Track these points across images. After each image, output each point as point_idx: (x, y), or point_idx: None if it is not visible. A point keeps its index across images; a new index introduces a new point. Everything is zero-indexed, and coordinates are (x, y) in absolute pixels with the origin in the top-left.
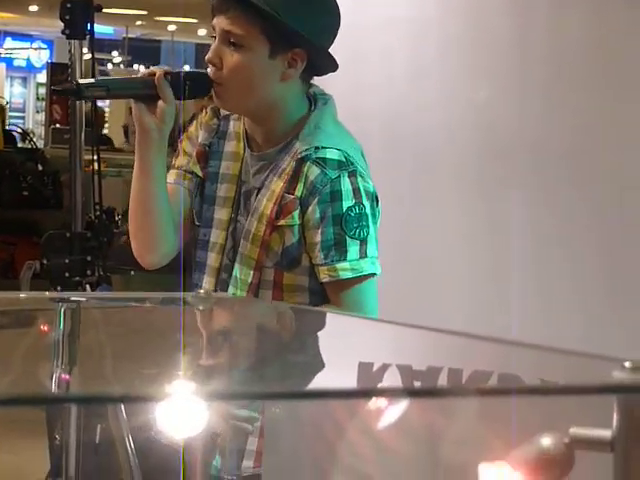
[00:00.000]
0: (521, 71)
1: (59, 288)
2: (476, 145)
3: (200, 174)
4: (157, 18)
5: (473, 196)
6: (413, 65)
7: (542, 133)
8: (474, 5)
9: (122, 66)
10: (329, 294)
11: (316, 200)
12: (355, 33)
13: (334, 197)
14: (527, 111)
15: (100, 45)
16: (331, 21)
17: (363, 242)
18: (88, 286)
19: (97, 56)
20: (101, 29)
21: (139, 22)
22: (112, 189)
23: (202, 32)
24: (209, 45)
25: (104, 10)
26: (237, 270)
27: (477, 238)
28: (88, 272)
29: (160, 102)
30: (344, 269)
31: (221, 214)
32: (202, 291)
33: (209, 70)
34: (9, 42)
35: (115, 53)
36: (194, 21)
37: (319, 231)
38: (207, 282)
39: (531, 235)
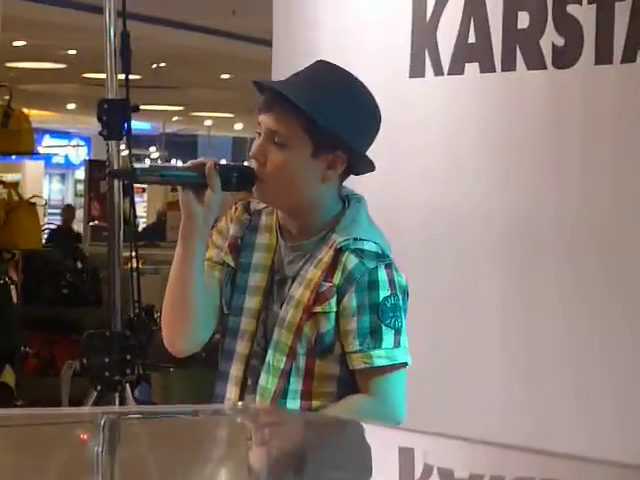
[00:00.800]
0: (556, 165)
1: (99, 387)
2: (512, 236)
3: (232, 264)
4: (193, 113)
5: (509, 291)
6: (449, 160)
7: (578, 227)
8: (509, 100)
9: (159, 161)
10: (359, 382)
11: (353, 288)
12: (393, 130)
13: (371, 286)
14: (563, 204)
15: (137, 141)
16: (372, 126)
17: (397, 332)
18: (127, 385)
19: (134, 152)
20: (138, 125)
21: (176, 118)
22: (150, 286)
23: (238, 126)
24: (245, 139)
25: (141, 107)
26: (270, 357)
27: (512, 335)
28: (127, 371)
29: (208, 191)
30: (379, 356)
31: (252, 303)
32: (240, 403)
33: (253, 165)
34: (47, 140)
35: (152, 148)
36: (230, 116)
37: (355, 319)
38: (236, 369)
39: (565, 331)
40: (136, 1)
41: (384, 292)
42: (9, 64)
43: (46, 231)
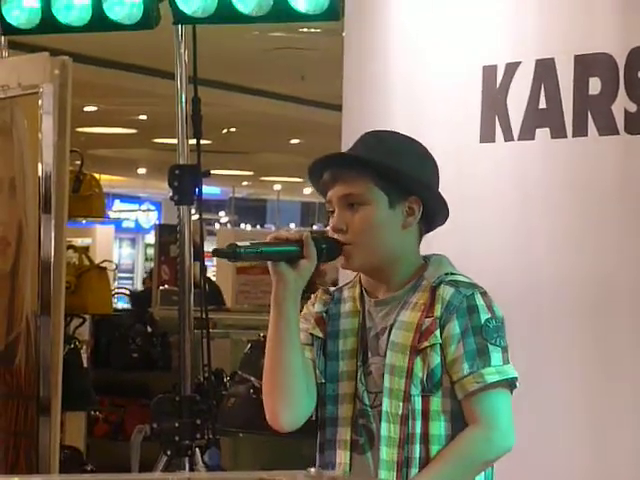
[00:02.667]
0: (628, 229)
1: (169, 452)
2: (588, 301)
3: (321, 335)
4: (262, 178)
5: (590, 355)
6: (522, 227)
7: None
8: (580, 165)
9: (229, 226)
10: (468, 412)
11: (454, 315)
12: (459, 205)
13: (471, 310)
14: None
15: (207, 205)
16: (432, 170)
17: (504, 350)
18: (197, 449)
19: (204, 216)
20: (208, 189)
21: (245, 182)
22: (220, 350)
23: (307, 191)
24: (314, 204)
25: (211, 172)
26: (386, 405)
27: (596, 403)
28: (197, 435)
29: (303, 260)
30: (490, 373)
31: (346, 367)
32: (313, 470)
33: (337, 236)
34: (118, 204)
35: (222, 213)
36: (299, 180)
37: (461, 344)
38: (342, 433)
39: None
40: (207, 67)
41: (484, 315)
42: (80, 129)
43: (116, 296)
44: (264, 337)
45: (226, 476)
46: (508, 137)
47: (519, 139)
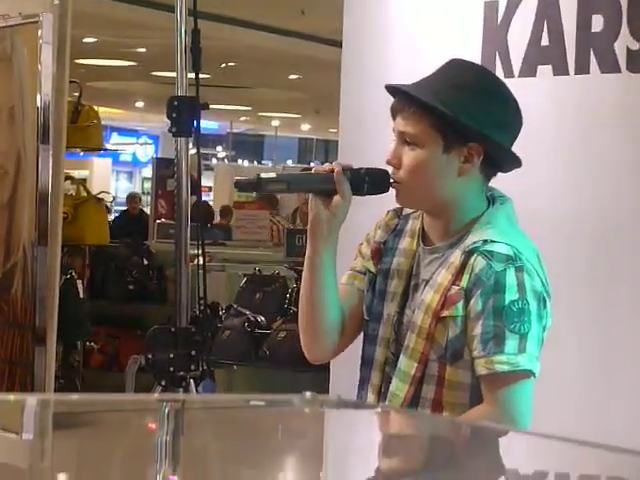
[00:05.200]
0: (632, 165)
1: (163, 382)
2: (587, 236)
3: (373, 270)
4: (261, 113)
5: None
6: (523, 161)
7: None
8: (582, 102)
9: (226, 161)
10: (483, 391)
11: (479, 291)
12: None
13: (497, 289)
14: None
15: (204, 140)
16: (508, 116)
17: (523, 337)
18: (192, 381)
19: (202, 150)
20: (205, 124)
21: (243, 117)
22: (216, 284)
23: (305, 127)
24: (312, 140)
25: (210, 106)
26: (401, 362)
27: (585, 331)
28: (192, 367)
29: (336, 197)
30: (500, 362)
31: (389, 309)
32: (308, 393)
33: (389, 170)
34: (115, 137)
35: (219, 148)
36: (297, 116)
37: (479, 323)
38: (375, 377)
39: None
40: (207, 0)
41: (510, 295)
42: (79, 61)
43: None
44: (259, 271)
45: (220, 398)
46: (508, 73)
47: (520, 75)
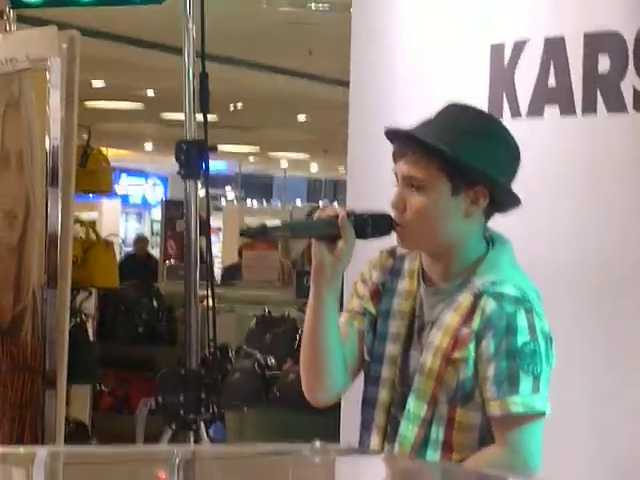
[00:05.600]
0: (638, 208)
1: (174, 425)
2: (593, 280)
3: (373, 312)
4: (270, 154)
5: (592, 336)
6: (527, 203)
7: None
8: (589, 143)
9: (235, 202)
10: (495, 432)
11: (491, 333)
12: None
13: (510, 331)
14: None
15: (213, 180)
16: (509, 156)
17: (536, 379)
18: (202, 423)
19: (211, 191)
20: (214, 165)
21: (252, 158)
22: (226, 325)
23: (313, 167)
24: (320, 180)
25: (218, 147)
26: (410, 404)
27: (597, 383)
28: (202, 410)
29: (340, 242)
30: (515, 403)
31: (392, 350)
32: (318, 442)
33: (393, 214)
34: (124, 179)
35: (228, 188)
36: (306, 157)
37: (492, 364)
38: (379, 418)
39: None
40: (214, 42)
41: (523, 338)
42: (87, 103)
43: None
44: (269, 312)
45: (231, 449)
46: (515, 114)
47: (527, 116)
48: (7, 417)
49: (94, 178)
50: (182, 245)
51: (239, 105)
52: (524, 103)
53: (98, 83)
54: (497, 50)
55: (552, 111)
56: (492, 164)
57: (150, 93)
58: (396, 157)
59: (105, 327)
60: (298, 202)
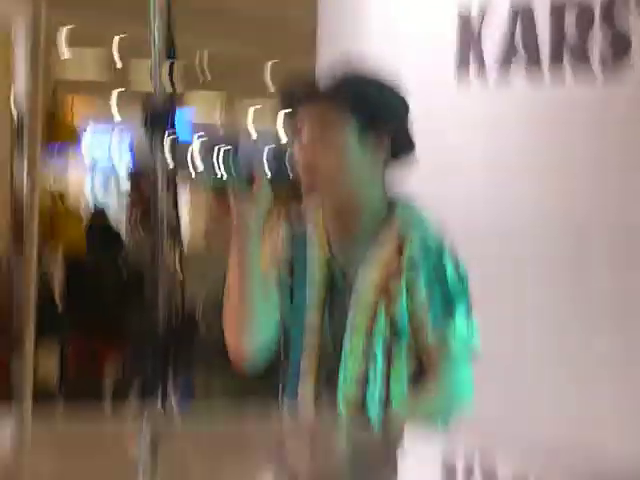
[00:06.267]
0: (596, 166)
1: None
2: (555, 238)
3: (289, 281)
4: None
5: (566, 307)
6: (490, 159)
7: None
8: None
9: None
10: (429, 359)
11: (422, 262)
12: (437, 134)
13: (439, 261)
14: (606, 205)
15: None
16: (400, 102)
17: (469, 306)
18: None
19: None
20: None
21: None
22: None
23: None
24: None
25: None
26: (349, 340)
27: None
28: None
29: (257, 193)
30: (452, 337)
31: (315, 318)
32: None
33: (303, 174)
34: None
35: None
36: None
37: (426, 293)
38: (308, 364)
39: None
40: None
41: (451, 269)
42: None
43: None
44: None
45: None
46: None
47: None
48: None
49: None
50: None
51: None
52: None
53: (64, 30)
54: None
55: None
56: (395, 108)
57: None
58: (299, 115)
59: (72, 295)
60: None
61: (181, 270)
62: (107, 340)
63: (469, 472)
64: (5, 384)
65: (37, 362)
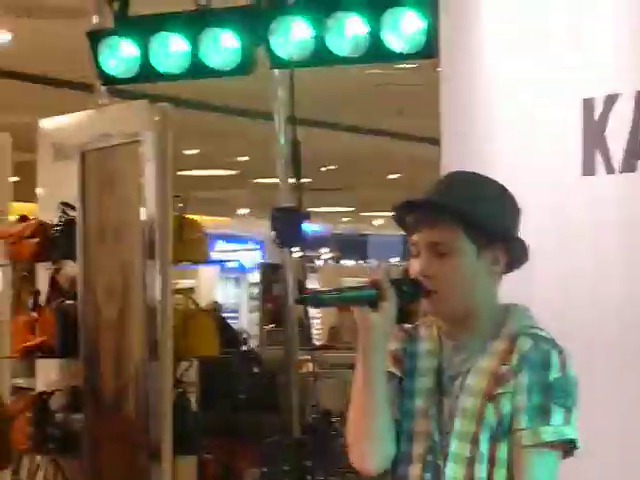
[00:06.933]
0: None
1: None
2: None
3: (398, 374)
4: (363, 214)
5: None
6: (625, 257)
7: None
8: None
9: (331, 261)
10: (515, 463)
11: (527, 367)
12: (565, 230)
13: (544, 366)
14: None
15: (308, 241)
16: (513, 205)
17: (568, 411)
18: None
19: (307, 253)
20: (309, 227)
21: (345, 218)
22: (327, 390)
23: None
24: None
25: (312, 209)
26: (453, 446)
27: None
28: (308, 478)
29: (384, 302)
30: (546, 432)
31: (423, 404)
32: None
33: (422, 279)
34: (221, 245)
35: (324, 249)
36: None
37: (525, 397)
38: (414, 469)
39: None
40: (304, 107)
41: (555, 373)
42: (182, 173)
43: None
44: None
45: None
46: (610, 170)
47: (621, 172)
48: None
49: (190, 248)
50: (280, 308)
51: (331, 167)
52: (617, 158)
53: (191, 152)
54: (589, 104)
55: None
56: (505, 220)
57: (242, 160)
58: (416, 226)
59: (208, 396)
60: (393, 260)
61: (314, 369)
62: (242, 441)
63: None
64: None
65: (175, 472)
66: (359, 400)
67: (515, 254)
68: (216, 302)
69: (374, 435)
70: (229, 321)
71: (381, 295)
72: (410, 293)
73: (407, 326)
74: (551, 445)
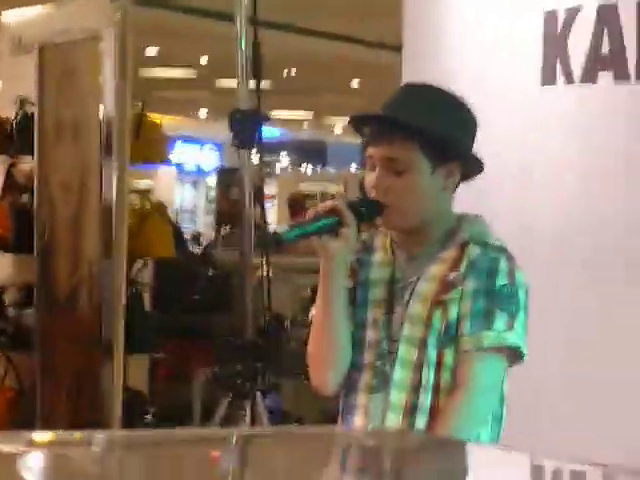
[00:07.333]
0: None
1: (230, 395)
2: None
3: (351, 284)
4: (324, 120)
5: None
6: (582, 166)
7: None
8: None
9: (290, 167)
10: (457, 368)
11: (474, 275)
12: (525, 138)
13: (491, 274)
14: None
15: (266, 146)
16: (474, 124)
17: (511, 318)
18: (259, 393)
19: (265, 158)
20: (267, 131)
21: (306, 124)
22: (281, 295)
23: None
24: None
25: (271, 113)
26: (402, 351)
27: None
28: (258, 379)
29: (343, 228)
30: (487, 337)
31: (375, 314)
32: (370, 427)
33: (375, 195)
34: (179, 146)
35: (282, 154)
36: None
37: (470, 303)
38: (365, 377)
39: None
40: (266, 8)
41: (502, 280)
42: (141, 71)
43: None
44: None
45: (288, 429)
46: (569, 80)
47: (581, 82)
48: (64, 387)
49: (149, 147)
50: (236, 212)
51: (293, 71)
52: (577, 69)
53: (151, 51)
54: (550, 16)
55: (606, 78)
56: (462, 135)
57: (203, 61)
58: (372, 141)
59: (161, 296)
60: (352, 168)
61: (268, 273)
62: (195, 342)
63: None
64: (95, 395)
65: (127, 369)
66: (322, 325)
67: (469, 168)
68: (161, 202)
69: (335, 358)
70: (186, 224)
71: (341, 221)
72: (368, 213)
73: (364, 236)
74: (493, 350)
